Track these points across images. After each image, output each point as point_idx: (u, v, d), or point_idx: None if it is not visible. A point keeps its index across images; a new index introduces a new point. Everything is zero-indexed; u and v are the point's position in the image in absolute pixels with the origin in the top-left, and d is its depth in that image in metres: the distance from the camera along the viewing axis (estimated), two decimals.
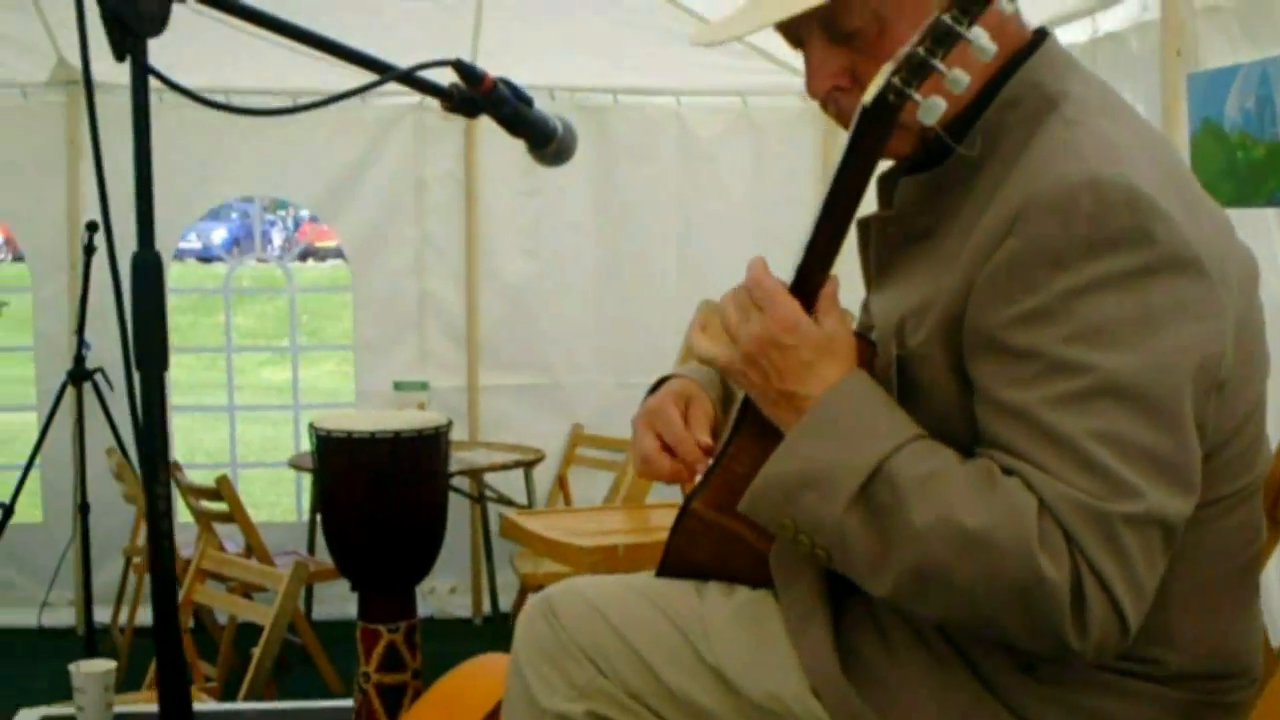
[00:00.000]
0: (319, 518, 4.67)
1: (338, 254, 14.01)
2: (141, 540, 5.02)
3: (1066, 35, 3.84)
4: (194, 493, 4.69)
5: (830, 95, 1.52)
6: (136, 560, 5.09)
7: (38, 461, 5.24)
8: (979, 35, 1.31)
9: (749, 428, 1.56)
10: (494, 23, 5.12)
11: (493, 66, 1.77)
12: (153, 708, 2.99)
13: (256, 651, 3.00)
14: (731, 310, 1.49)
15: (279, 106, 1.68)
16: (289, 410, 6.25)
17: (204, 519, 4.69)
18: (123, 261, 1.44)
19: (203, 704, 3.07)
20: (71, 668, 2.56)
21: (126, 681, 4.08)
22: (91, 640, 5.24)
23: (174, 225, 5.59)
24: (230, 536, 4.84)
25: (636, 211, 5.78)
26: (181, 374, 7.47)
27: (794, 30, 1.52)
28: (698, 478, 1.68)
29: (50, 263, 5.56)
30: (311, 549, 5.39)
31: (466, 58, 1.77)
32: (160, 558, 1.44)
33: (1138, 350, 1.30)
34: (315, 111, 1.71)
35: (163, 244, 1.45)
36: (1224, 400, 1.40)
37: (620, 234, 5.78)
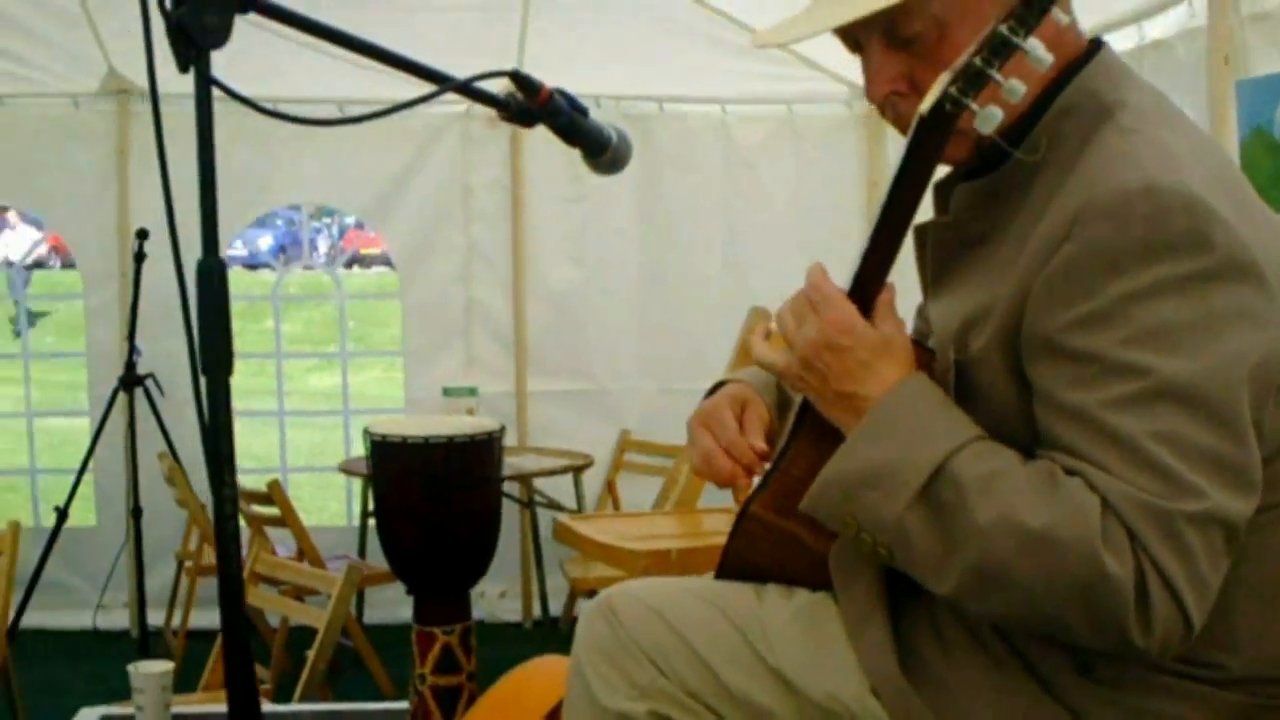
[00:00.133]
0: (371, 522, 4.71)
1: (383, 261, 14.04)
2: (193, 544, 5.07)
3: (1113, 43, 3.80)
4: (245, 497, 4.72)
5: (888, 100, 1.53)
6: (188, 564, 5.13)
7: (91, 466, 5.32)
8: (1035, 46, 1.33)
9: (807, 432, 1.57)
10: (539, 31, 5.16)
11: (538, 75, 1.78)
12: (208, 708, 3.06)
13: (311, 653, 3.02)
14: (789, 316, 1.51)
15: (333, 117, 1.69)
16: (338, 415, 6.28)
17: (255, 523, 4.73)
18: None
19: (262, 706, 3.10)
20: (130, 668, 2.59)
21: (180, 683, 4.11)
22: (145, 642, 5.32)
23: (223, 233, 5.57)
24: (281, 541, 4.88)
25: (681, 219, 5.79)
26: None
27: (853, 35, 1.53)
28: (754, 481, 1.70)
29: (101, 270, 5.63)
30: (362, 553, 5.42)
31: (512, 66, 1.79)
32: (227, 559, 1.45)
33: (1196, 355, 1.31)
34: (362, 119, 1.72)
35: None
36: None
37: (664, 241, 5.79)
